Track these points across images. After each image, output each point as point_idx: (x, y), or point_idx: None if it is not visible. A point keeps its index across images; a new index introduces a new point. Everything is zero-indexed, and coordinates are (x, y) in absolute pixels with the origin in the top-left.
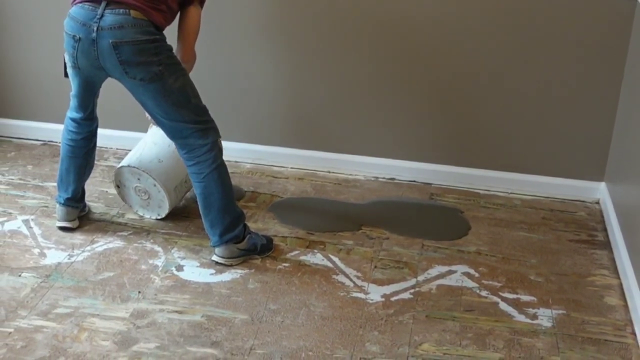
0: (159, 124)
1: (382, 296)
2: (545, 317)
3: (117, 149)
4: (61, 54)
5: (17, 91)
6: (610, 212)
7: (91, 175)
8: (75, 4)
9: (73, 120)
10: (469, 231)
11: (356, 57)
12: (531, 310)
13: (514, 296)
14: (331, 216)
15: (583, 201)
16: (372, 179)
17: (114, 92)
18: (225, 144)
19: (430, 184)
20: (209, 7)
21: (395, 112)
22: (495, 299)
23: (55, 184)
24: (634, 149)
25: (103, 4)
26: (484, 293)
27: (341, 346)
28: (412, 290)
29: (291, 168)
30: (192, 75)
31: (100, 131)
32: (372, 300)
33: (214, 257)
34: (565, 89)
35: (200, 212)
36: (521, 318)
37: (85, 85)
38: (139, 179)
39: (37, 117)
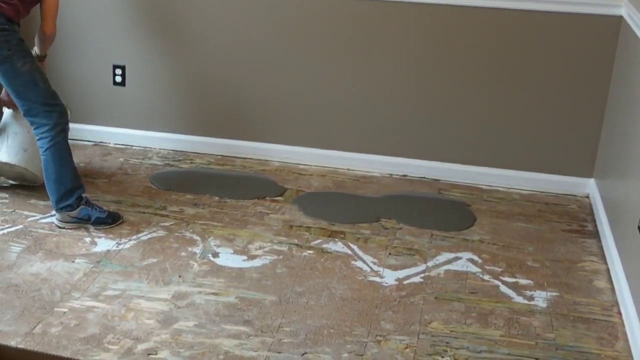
0: (16, 102)
1: (395, 280)
2: (540, 299)
3: (160, 149)
4: (107, 65)
5: (72, 97)
6: (599, 205)
7: (135, 172)
8: None
9: None
10: (475, 222)
11: (374, 68)
12: (528, 293)
13: (513, 280)
14: (350, 209)
15: (574, 195)
16: (387, 175)
17: (158, 98)
18: (256, 145)
19: (439, 180)
20: (248, 26)
21: (407, 117)
22: (496, 282)
23: (105, 180)
24: (618, 149)
25: None
26: (486, 277)
27: (359, 324)
28: (422, 275)
29: (315, 166)
30: (232, 80)
31: (144, 133)
32: (386, 283)
33: (54, 220)
34: (559, 96)
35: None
36: (519, 299)
37: None
38: (11, 167)
39: (89, 120)
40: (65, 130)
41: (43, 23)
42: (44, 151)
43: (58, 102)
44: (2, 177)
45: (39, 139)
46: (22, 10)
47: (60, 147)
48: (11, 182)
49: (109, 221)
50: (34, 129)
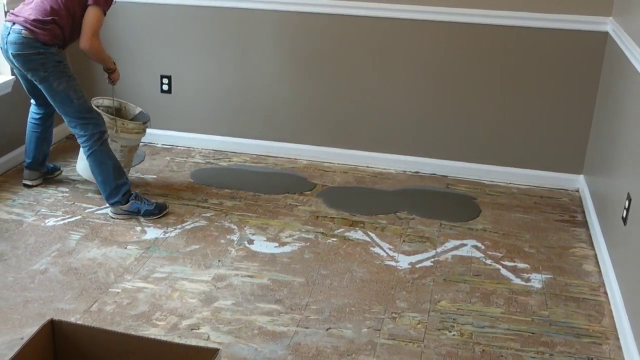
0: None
1: (409, 264)
2: (536, 280)
3: (202, 148)
4: (155, 75)
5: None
6: (587, 198)
7: (180, 169)
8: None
9: (32, 104)
10: (480, 214)
11: (390, 79)
12: (525, 275)
13: (512, 264)
14: (369, 201)
15: (566, 189)
16: (401, 172)
17: (201, 104)
18: (287, 145)
19: (447, 176)
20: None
21: (419, 121)
22: (497, 266)
23: (154, 176)
24: (605, 150)
25: (10, 24)
26: (488, 261)
27: (377, 303)
28: (432, 259)
29: (338, 164)
30: (266, 88)
31: (187, 135)
32: (401, 267)
33: (109, 212)
34: (553, 103)
35: None
36: (518, 281)
37: (28, 84)
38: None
39: None
40: (101, 138)
41: (80, 39)
42: (87, 158)
43: (93, 115)
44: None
45: (82, 147)
46: (68, 33)
47: (99, 153)
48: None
49: (156, 212)
50: (77, 139)
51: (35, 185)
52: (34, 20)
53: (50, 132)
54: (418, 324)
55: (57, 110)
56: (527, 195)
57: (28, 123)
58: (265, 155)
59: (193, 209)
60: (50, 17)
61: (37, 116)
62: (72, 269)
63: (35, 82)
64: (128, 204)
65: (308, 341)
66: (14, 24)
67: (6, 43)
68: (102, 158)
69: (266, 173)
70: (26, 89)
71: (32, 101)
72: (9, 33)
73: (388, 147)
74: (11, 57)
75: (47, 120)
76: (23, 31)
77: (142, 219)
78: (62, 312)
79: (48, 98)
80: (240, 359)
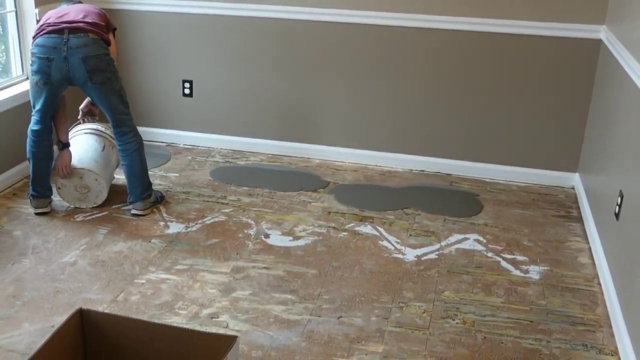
0: (107, 115)
1: (415, 256)
2: (534, 272)
3: (221, 148)
4: (178, 80)
5: (149, 107)
6: (582, 195)
7: (201, 168)
8: (40, 35)
9: (36, 131)
10: (482, 210)
11: (398, 83)
12: (524, 267)
13: (512, 257)
14: (378, 198)
15: (562, 187)
16: (408, 170)
17: (220, 107)
18: (300, 145)
19: (451, 174)
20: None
21: (425, 122)
22: (498, 258)
23: (176, 174)
24: (598, 150)
25: (67, 32)
26: (489, 254)
27: (385, 293)
28: (437, 252)
29: (348, 163)
30: (281, 92)
31: (208, 135)
32: (407, 259)
33: (134, 211)
34: (550, 106)
35: (126, 178)
36: (517, 273)
37: (52, 98)
38: (81, 178)
39: (163, 125)
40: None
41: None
42: (131, 153)
43: (130, 111)
44: (64, 197)
45: (126, 143)
46: None
47: (143, 147)
48: (75, 205)
49: (163, 195)
50: (121, 136)
51: (49, 211)
52: (94, 23)
53: (53, 154)
54: (423, 312)
55: (107, 110)
56: (526, 192)
57: (33, 156)
58: (281, 155)
59: (213, 205)
60: (104, 22)
61: (44, 143)
62: (99, 261)
63: (95, 87)
64: (152, 196)
65: (320, 329)
66: (70, 30)
67: (67, 49)
68: (144, 152)
69: (281, 171)
70: (46, 101)
71: (36, 128)
72: (68, 40)
73: (396, 147)
74: (78, 62)
75: (51, 145)
76: (90, 34)
77: (165, 215)
78: (90, 302)
79: (100, 99)
80: (257, 345)
